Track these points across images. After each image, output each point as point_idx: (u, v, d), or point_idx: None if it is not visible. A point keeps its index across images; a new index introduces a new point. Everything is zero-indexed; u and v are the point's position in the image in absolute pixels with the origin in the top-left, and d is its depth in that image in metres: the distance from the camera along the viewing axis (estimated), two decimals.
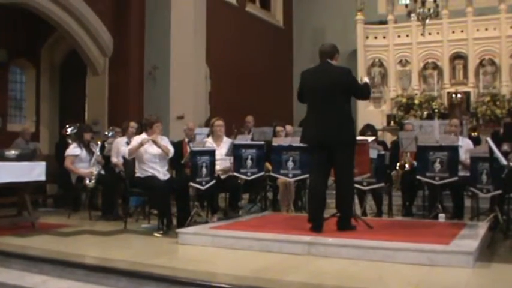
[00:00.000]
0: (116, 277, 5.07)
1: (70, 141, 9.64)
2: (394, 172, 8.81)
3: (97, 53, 12.49)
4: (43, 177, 7.78)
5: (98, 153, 9.09)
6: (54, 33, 13.58)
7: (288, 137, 9.23)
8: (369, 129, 9.23)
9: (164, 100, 12.32)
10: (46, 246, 6.32)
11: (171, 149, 7.91)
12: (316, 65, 6.67)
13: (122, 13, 12.54)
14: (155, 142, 7.66)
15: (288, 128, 10.16)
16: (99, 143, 9.63)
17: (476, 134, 11.28)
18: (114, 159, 9.18)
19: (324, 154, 6.35)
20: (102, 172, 8.97)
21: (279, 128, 9.75)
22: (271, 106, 15.83)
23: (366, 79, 6.87)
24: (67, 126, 10.02)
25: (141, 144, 7.57)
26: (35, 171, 7.66)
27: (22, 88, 14.32)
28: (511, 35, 14.41)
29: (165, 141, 7.91)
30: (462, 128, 8.93)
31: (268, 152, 8.59)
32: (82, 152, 9.01)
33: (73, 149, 9.03)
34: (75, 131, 9.87)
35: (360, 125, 11.54)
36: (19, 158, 7.69)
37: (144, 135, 7.80)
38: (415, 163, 8.26)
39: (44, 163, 7.88)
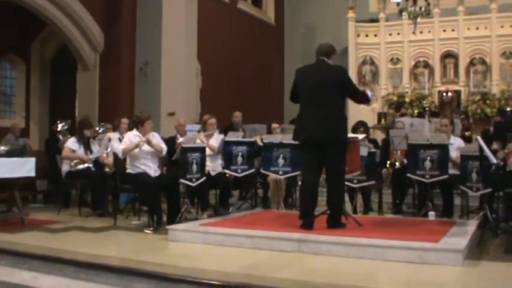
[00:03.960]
0: (106, 274, 5.06)
1: (61, 137, 9.60)
2: (384, 170, 8.82)
3: (88, 48, 12.44)
4: (33, 173, 7.75)
5: (98, 154, 8.98)
6: (45, 29, 13.53)
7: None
8: (361, 125, 9.26)
9: (155, 96, 12.28)
10: (36, 243, 6.29)
11: (164, 147, 7.91)
12: (312, 62, 6.66)
13: (113, 9, 12.49)
14: (149, 142, 7.65)
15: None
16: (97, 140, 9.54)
17: (469, 133, 11.31)
18: (104, 154, 9.11)
19: (316, 152, 6.35)
20: (93, 169, 8.91)
21: (274, 125, 9.72)
22: (262, 103, 15.83)
23: (367, 91, 6.82)
24: (58, 122, 9.97)
25: (137, 145, 7.56)
26: (25, 167, 7.62)
27: (12, 84, 14.26)
28: (502, 35, 14.46)
29: (156, 138, 7.90)
30: (454, 127, 8.95)
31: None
32: (80, 150, 8.91)
33: (72, 143, 8.87)
34: (66, 127, 9.82)
35: (351, 123, 11.56)
36: (9, 154, 7.64)
37: (135, 132, 7.79)
38: (405, 161, 8.29)
39: (33, 159, 7.85)
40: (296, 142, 6.95)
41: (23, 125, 13.61)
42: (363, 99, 6.80)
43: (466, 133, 11.09)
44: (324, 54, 6.57)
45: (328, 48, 6.62)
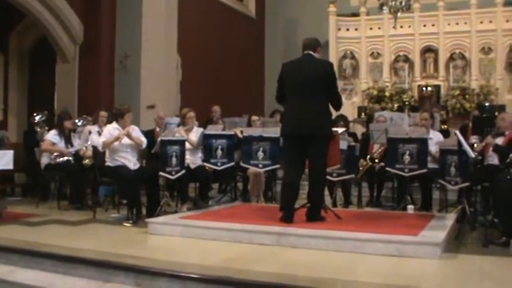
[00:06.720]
0: (85, 267, 5.04)
1: (38, 129, 9.51)
2: (361, 161, 8.75)
3: (67, 40, 12.30)
4: (11, 166, 7.65)
5: (79, 147, 8.90)
6: (24, 20, 13.38)
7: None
8: (341, 119, 9.30)
9: (135, 89, 12.21)
10: (13, 236, 6.24)
11: (144, 140, 7.86)
12: (298, 57, 6.63)
13: (93, 1, 12.38)
14: (129, 135, 7.61)
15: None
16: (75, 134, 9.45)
17: (445, 127, 11.40)
18: (83, 147, 9.04)
19: (300, 147, 6.35)
20: (72, 162, 8.84)
21: (254, 117, 9.71)
22: (242, 97, 15.81)
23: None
24: (35, 114, 9.87)
25: (117, 138, 7.51)
26: (3, 160, 7.51)
27: None
28: (481, 30, 14.59)
29: (136, 131, 7.85)
30: (433, 121, 9.00)
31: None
32: (60, 143, 8.83)
33: (53, 136, 8.82)
34: (43, 118, 9.73)
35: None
36: None
37: (115, 125, 7.74)
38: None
39: (11, 152, 7.74)
40: (278, 136, 6.96)
41: (1, 117, 13.50)
42: (338, 102, 6.70)
43: (443, 126, 11.19)
44: (310, 47, 6.54)
45: (314, 41, 6.61)
